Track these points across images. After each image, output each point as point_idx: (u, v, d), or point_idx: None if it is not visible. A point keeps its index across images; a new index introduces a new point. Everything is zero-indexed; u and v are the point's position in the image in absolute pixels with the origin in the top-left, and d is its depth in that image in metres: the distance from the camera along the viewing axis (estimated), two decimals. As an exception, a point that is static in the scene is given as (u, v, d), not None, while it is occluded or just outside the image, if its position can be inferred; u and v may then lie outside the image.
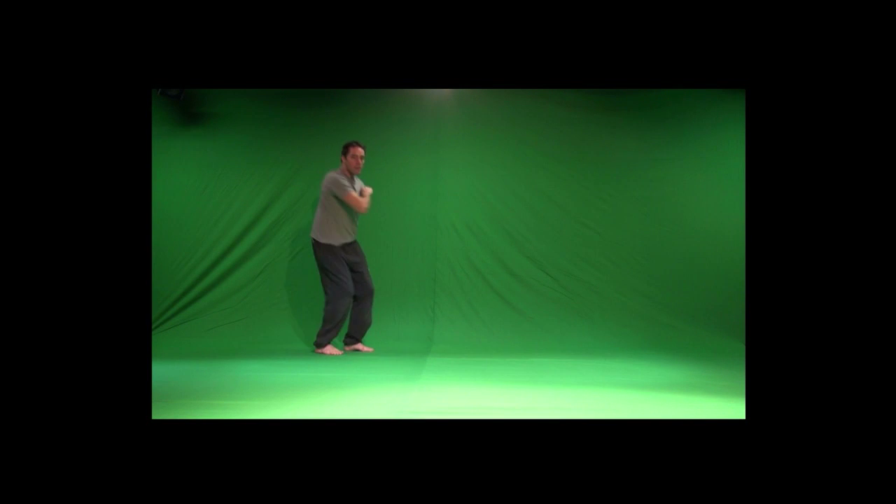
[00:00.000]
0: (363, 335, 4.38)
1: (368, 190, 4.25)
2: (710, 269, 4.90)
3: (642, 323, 4.81)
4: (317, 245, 4.20)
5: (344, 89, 4.85)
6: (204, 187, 4.89)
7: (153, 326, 4.64)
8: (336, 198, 4.15)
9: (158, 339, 4.48)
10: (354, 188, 4.21)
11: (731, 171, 4.86)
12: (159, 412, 1.92)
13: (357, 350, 4.32)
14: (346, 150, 4.21)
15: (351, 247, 4.28)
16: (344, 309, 4.17)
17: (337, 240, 4.18)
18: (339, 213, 4.18)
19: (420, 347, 4.51)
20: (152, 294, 4.41)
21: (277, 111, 4.93)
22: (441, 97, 5.01)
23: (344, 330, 4.38)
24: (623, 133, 5.05)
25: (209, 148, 4.90)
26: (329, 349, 4.18)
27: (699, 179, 5.02)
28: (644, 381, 2.85)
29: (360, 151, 4.20)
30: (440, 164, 5.00)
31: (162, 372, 3.01)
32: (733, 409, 2.11)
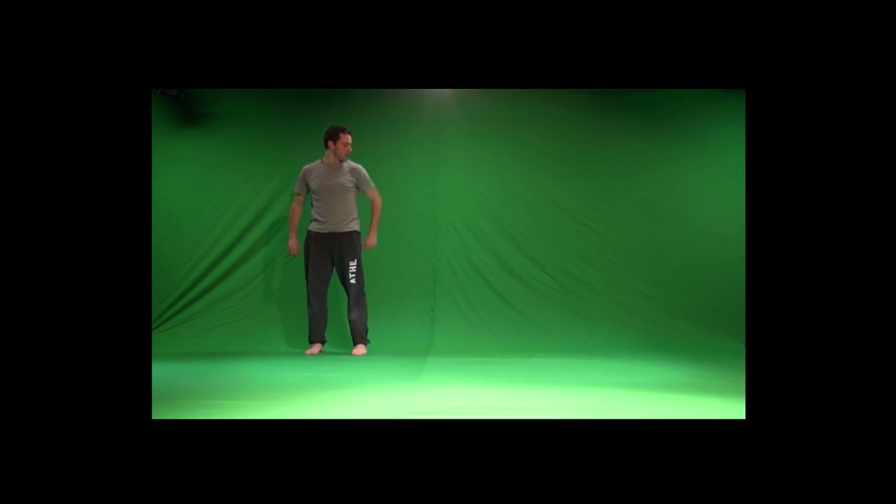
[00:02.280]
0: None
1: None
2: (710, 269, 4.90)
3: (642, 323, 4.81)
4: (359, 236, 4.27)
5: (344, 89, 4.85)
6: (204, 187, 4.89)
7: (153, 326, 4.64)
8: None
9: (158, 339, 4.48)
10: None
11: (731, 171, 4.86)
12: (159, 412, 1.92)
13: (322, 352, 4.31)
14: (336, 137, 4.21)
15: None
16: None
17: None
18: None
19: (420, 347, 4.51)
20: (152, 294, 4.41)
21: (277, 111, 4.93)
22: (441, 97, 5.00)
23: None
24: (623, 133, 5.04)
25: (209, 148, 4.90)
26: None
27: (699, 179, 5.02)
28: (644, 381, 2.85)
29: (347, 137, 4.24)
30: (440, 164, 5.00)
31: (162, 372, 3.01)
32: (733, 409, 2.11)
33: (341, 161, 4.22)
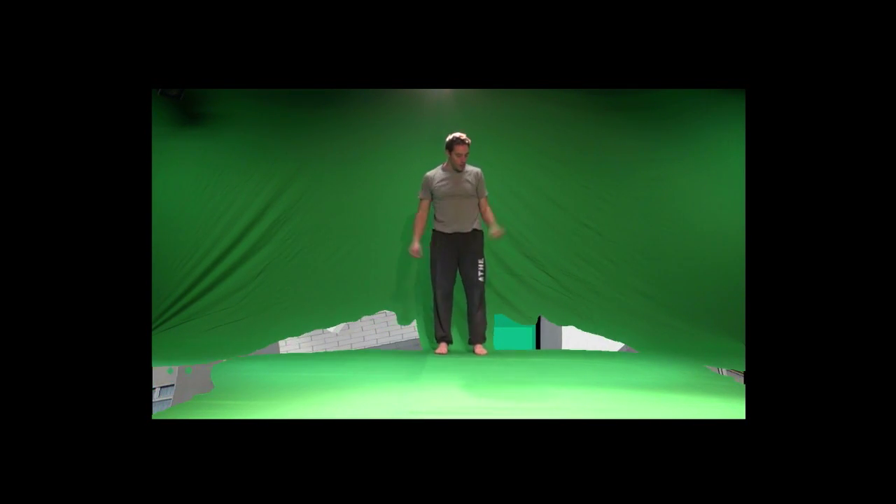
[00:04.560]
0: (474, 337, 4.31)
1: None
2: (710, 269, 4.88)
3: (642, 323, 4.80)
4: (482, 235, 4.27)
5: (344, 89, 4.84)
6: (204, 187, 4.88)
7: (153, 326, 4.64)
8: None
9: (158, 339, 4.48)
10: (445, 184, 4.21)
11: (731, 170, 4.85)
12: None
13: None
14: (451, 148, 4.17)
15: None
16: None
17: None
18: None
19: (420, 347, 4.51)
20: (152, 294, 4.40)
21: (277, 111, 4.93)
22: (441, 97, 5.00)
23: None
24: (623, 133, 5.03)
25: (209, 148, 4.89)
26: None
27: (699, 179, 5.01)
28: (644, 381, 2.85)
29: (462, 148, 4.14)
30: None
31: (162, 372, 3.01)
32: (733, 409, 2.11)
33: (457, 170, 4.20)
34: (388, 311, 4.90)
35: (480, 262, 4.22)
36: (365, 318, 5.17)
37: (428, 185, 4.26)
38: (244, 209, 4.86)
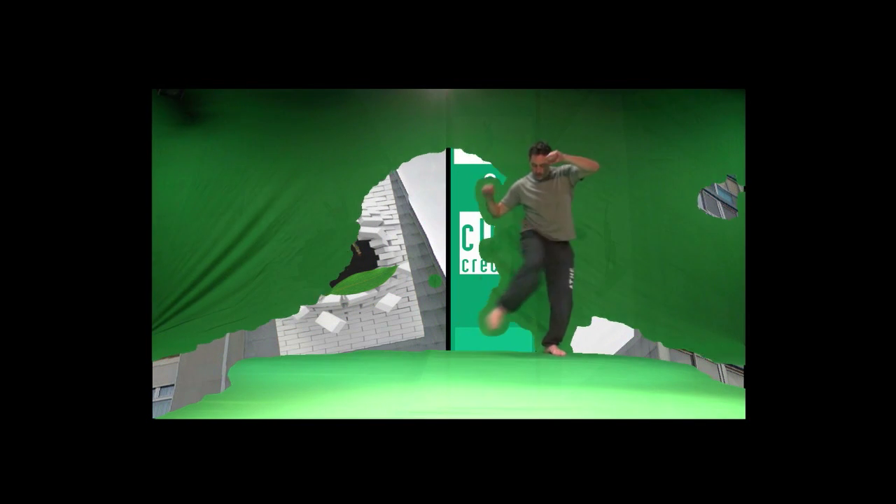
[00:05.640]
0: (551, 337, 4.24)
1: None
2: (710, 269, 4.89)
3: (642, 323, 4.81)
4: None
5: (343, 89, 4.84)
6: (204, 187, 4.89)
7: (153, 326, 4.64)
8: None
9: (158, 339, 4.48)
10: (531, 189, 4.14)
11: (731, 170, 4.86)
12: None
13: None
14: (529, 157, 4.11)
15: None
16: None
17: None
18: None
19: (420, 347, 4.51)
20: (152, 294, 4.40)
21: (277, 111, 4.93)
22: (441, 97, 5.01)
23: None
24: (623, 133, 5.04)
25: (209, 148, 4.89)
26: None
27: (699, 179, 5.02)
28: (644, 381, 2.85)
29: (537, 158, 4.06)
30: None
31: (162, 372, 3.01)
32: (733, 409, 2.11)
33: (539, 178, 4.12)
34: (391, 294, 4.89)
35: (571, 270, 4.13)
36: (365, 318, 5.16)
37: (516, 193, 4.15)
38: (244, 209, 4.86)
